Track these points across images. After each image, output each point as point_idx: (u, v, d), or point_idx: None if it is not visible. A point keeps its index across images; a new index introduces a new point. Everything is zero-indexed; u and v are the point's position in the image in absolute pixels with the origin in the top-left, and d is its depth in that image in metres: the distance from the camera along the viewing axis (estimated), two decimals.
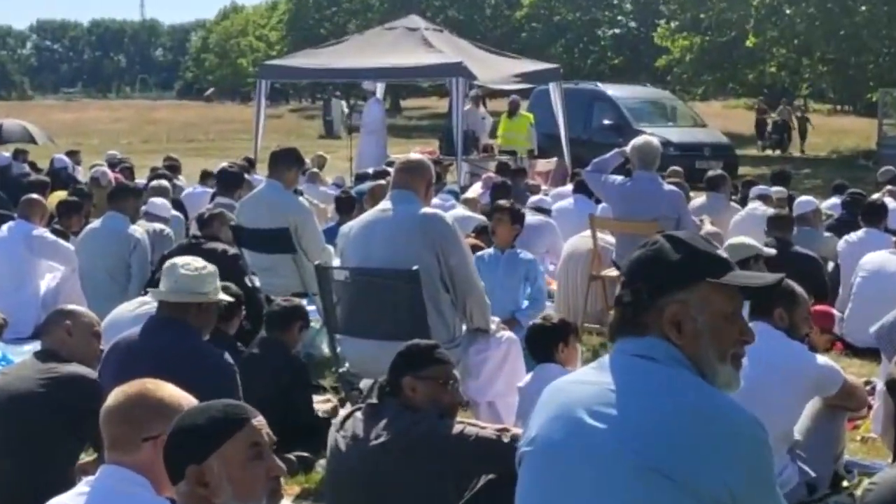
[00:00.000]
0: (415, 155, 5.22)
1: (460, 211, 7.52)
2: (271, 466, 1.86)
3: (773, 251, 5.13)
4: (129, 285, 5.80)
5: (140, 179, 9.80)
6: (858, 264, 5.68)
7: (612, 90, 17.86)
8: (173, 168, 10.72)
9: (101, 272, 5.88)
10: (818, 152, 23.27)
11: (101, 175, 9.44)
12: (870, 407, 4.16)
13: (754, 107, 27.19)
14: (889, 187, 8.86)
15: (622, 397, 1.71)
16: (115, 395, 2.14)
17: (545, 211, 7.51)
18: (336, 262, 4.61)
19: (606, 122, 16.44)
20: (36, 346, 3.80)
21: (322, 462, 3.66)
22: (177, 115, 35.82)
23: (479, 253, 5.26)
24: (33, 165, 12.01)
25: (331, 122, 27.17)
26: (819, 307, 4.90)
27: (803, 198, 7.27)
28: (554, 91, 13.35)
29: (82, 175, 11.39)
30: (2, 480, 3.17)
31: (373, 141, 13.80)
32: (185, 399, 2.11)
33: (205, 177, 9.75)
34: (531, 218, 6.81)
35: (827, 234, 6.79)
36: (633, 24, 37.87)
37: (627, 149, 5.91)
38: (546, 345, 3.80)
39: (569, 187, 9.15)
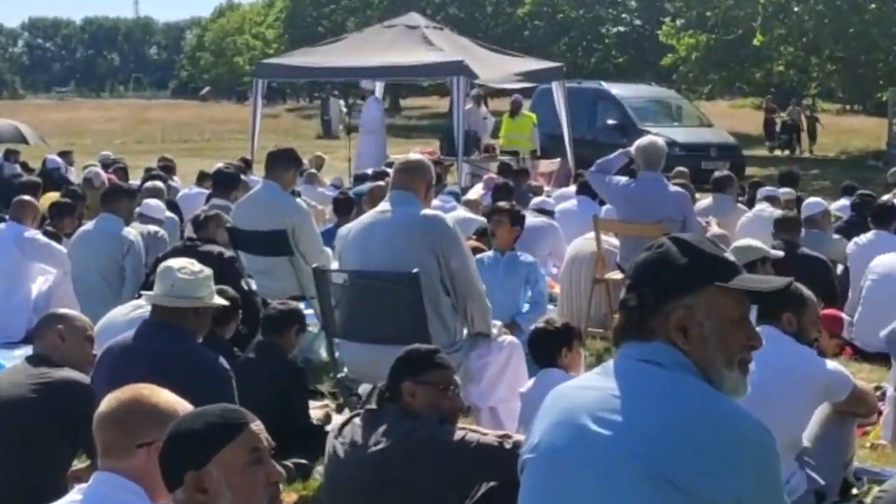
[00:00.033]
0: (415, 155, 5.16)
1: (461, 212, 7.50)
2: (271, 472, 1.85)
3: (780, 254, 5.07)
4: (123, 288, 5.76)
5: (134, 180, 9.80)
6: (868, 267, 5.66)
7: (616, 89, 17.85)
8: (168, 169, 10.70)
9: (94, 275, 5.83)
10: (827, 153, 23.25)
11: (95, 176, 9.43)
12: (880, 413, 4.13)
13: (761, 106, 27.12)
14: None
15: (627, 403, 1.70)
16: (108, 401, 2.13)
17: (548, 212, 7.48)
18: (334, 265, 4.58)
19: (610, 121, 16.44)
20: (28, 350, 3.78)
21: (320, 469, 3.66)
22: (171, 114, 35.81)
23: (479, 255, 5.21)
24: (25, 166, 12.02)
25: (329, 121, 27.21)
26: (828, 311, 4.87)
27: (811, 199, 7.25)
28: (557, 90, 13.33)
29: (75, 176, 11.37)
30: None
31: (372, 141, 13.78)
32: (180, 405, 2.10)
33: (202, 178, 9.71)
34: (534, 220, 6.77)
35: (836, 236, 6.76)
36: (637, 21, 37.89)
37: (632, 149, 5.88)
38: (549, 349, 3.79)
39: (572, 188, 9.13)
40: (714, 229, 6.53)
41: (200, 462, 1.80)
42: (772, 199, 7.58)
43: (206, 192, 8.32)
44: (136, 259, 5.88)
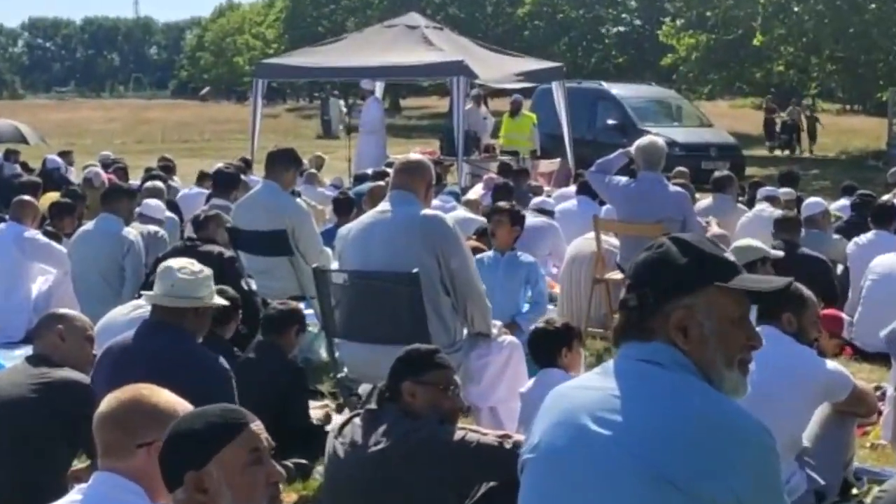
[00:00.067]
0: (414, 155, 5.17)
1: (461, 212, 7.50)
2: (271, 472, 1.85)
3: (780, 254, 5.07)
4: (123, 288, 5.75)
5: (134, 180, 9.78)
6: (868, 267, 5.65)
7: (616, 89, 17.84)
8: (168, 169, 10.69)
9: (94, 275, 5.82)
10: (827, 153, 23.23)
11: (94, 176, 9.42)
12: (880, 413, 4.12)
13: (762, 106, 27.11)
14: None
15: (627, 403, 1.70)
16: (108, 401, 2.13)
17: (548, 212, 7.47)
18: (334, 265, 4.57)
19: (611, 121, 16.43)
20: (27, 350, 3.78)
21: (320, 469, 3.66)
22: (171, 114, 35.79)
23: (479, 255, 5.21)
24: (25, 166, 12.01)
25: (329, 121, 27.19)
26: (828, 311, 4.86)
27: (811, 199, 7.24)
28: (557, 90, 13.33)
29: (75, 176, 11.36)
30: None
31: (372, 141, 13.75)
32: (179, 405, 2.10)
33: (202, 178, 9.70)
34: (534, 220, 6.77)
35: (836, 236, 6.75)
36: (637, 21, 37.85)
37: (632, 149, 5.88)
38: (549, 349, 3.78)
39: (572, 189, 9.12)
40: (714, 229, 6.52)
41: (200, 462, 1.80)
42: (772, 199, 7.57)
43: (206, 192, 8.31)
44: (136, 259, 5.87)
